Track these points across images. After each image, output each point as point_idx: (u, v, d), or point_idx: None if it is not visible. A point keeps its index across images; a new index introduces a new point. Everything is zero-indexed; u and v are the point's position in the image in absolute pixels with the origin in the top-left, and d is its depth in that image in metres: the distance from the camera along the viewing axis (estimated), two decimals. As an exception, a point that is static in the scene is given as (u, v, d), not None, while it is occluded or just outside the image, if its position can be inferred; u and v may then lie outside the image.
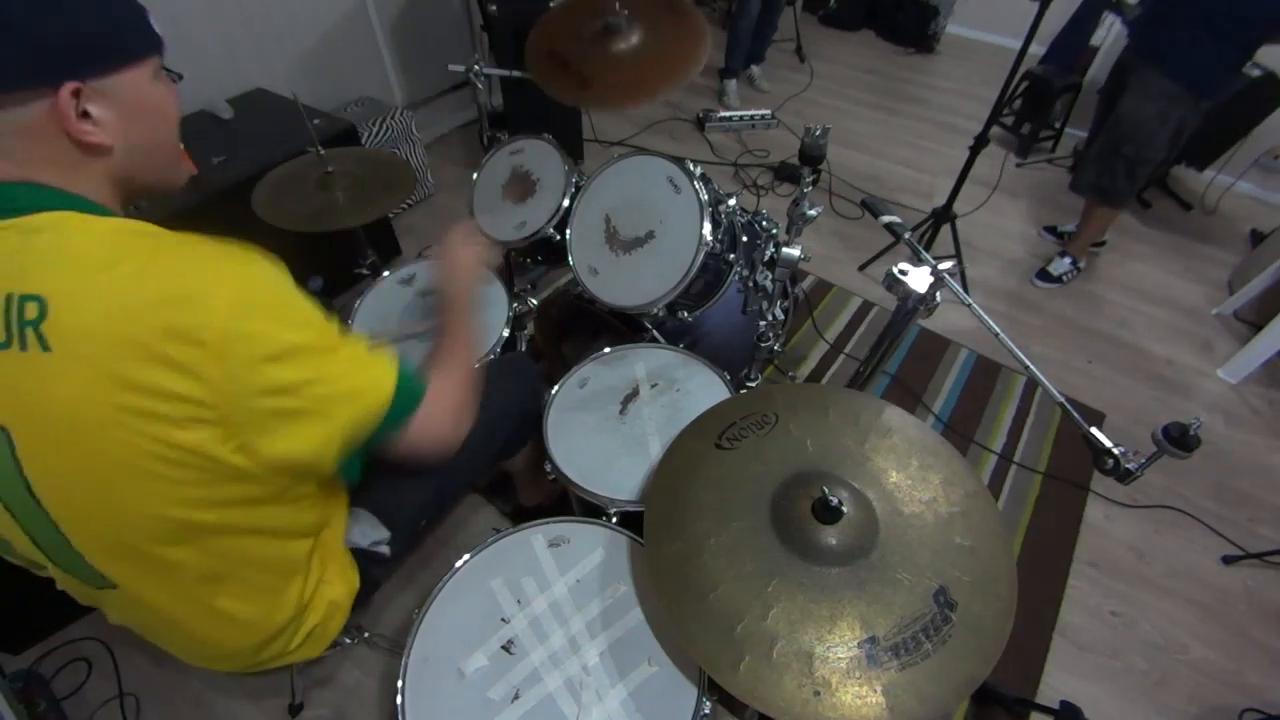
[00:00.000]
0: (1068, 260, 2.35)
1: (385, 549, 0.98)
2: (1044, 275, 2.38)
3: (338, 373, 0.68)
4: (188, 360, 0.56)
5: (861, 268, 2.42)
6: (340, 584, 0.92)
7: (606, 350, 1.35)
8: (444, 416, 0.84)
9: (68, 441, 0.58)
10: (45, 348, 0.55)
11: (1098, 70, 3.01)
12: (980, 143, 2.11)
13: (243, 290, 0.59)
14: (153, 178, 0.69)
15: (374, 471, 1.00)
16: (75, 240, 0.58)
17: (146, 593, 0.73)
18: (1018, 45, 1.89)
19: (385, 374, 0.74)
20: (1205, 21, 1.74)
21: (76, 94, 0.57)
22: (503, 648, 0.89)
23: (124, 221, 0.61)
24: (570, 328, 1.66)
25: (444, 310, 1.01)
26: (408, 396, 0.77)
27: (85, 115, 0.58)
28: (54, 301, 0.55)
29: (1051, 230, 2.62)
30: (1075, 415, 0.87)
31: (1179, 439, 0.77)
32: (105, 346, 0.55)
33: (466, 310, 1.00)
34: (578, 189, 1.46)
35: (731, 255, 1.33)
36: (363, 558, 0.97)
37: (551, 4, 2.20)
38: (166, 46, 0.67)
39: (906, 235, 1.10)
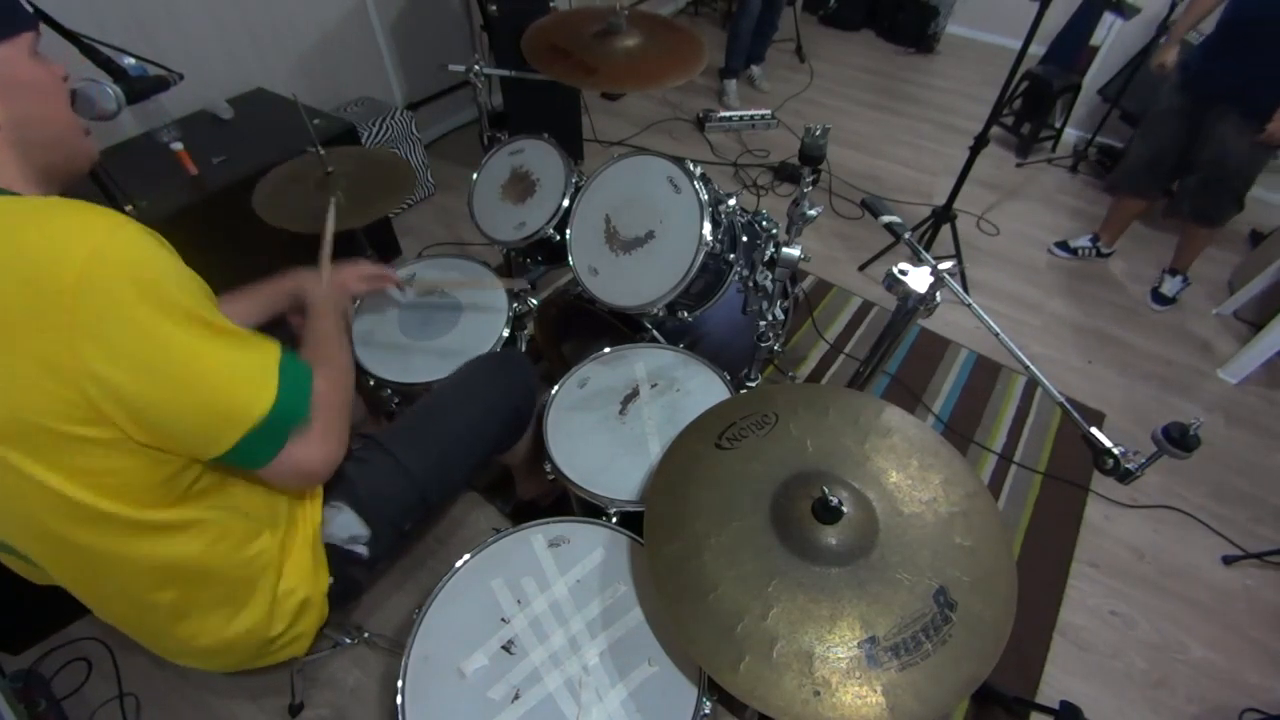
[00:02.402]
0: (1179, 279, 2.34)
1: (363, 549, 0.95)
2: (1158, 298, 2.35)
3: (195, 376, 0.63)
4: (30, 345, 0.55)
5: (861, 268, 2.43)
6: (305, 583, 0.89)
7: (606, 350, 1.35)
8: (317, 452, 0.76)
9: None
10: None
11: (1098, 70, 3.00)
12: (980, 143, 2.11)
13: (92, 269, 0.55)
14: (54, 155, 0.68)
15: (355, 466, 0.98)
16: None
17: (80, 584, 0.73)
18: (1018, 45, 1.89)
19: (255, 397, 0.67)
20: None
21: None
22: (503, 648, 0.89)
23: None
24: (570, 328, 1.66)
25: (319, 317, 0.93)
26: (279, 427, 0.70)
27: None
28: None
29: (1063, 245, 2.55)
30: (1075, 415, 0.87)
31: (1179, 439, 0.77)
32: None
33: (339, 326, 0.94)
34: (577, 189, 1.46)
35: (731, 255, 1.33)
36: (338, 556, 0.93)
37: (553, 4, 2.20)
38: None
39: (906, 235, 1.10)
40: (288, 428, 0.72)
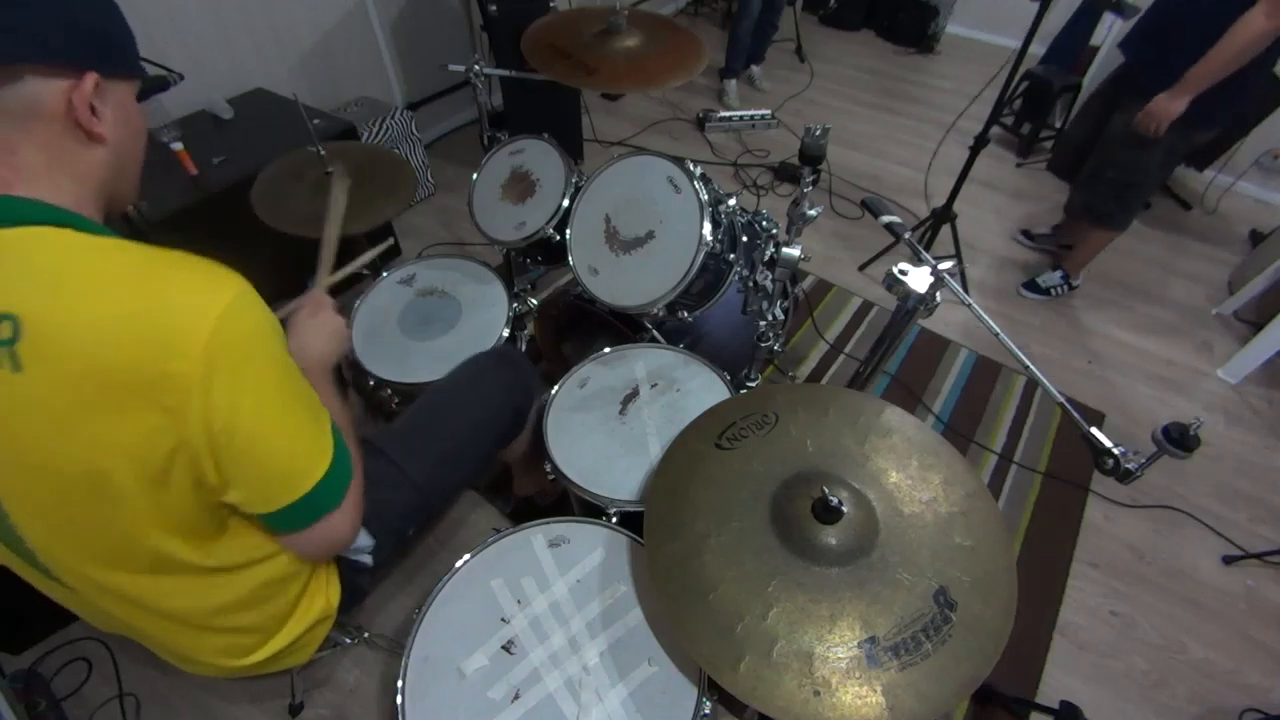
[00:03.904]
0: (1059, 274, 2.30)
1: (368, 558, 0.97)
2: (1031, 286, 2.33)
3: (280, 440, 0.66)
4: (157, 396, 0.56)
5: (861, 268, 2.42)
6: (321, 594, 0.91)
7: (606, 350, 1.35)
8: (349, 523, 0.77)
9: (34, 463, 0.58)
10: (17, 368, 0.54)
11: (1098, 70, 3.00)
12: (980, 143, 2.10)
13: (222, 328, 0.58)
14: (122, 188, 0.69)
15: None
16: (53, 257, 0.56)
17: (112, 607, 0.74)
18: (1018, 45, 1.89)
19: (316, 464, 0.70)
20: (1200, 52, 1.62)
21: (96, 85, 0.59)
22: (503, 648, 0.89)
23: (104, 239, 0.60)
24: (570, 328, 1.66)
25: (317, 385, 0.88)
26: (327, 496, 0.72)
27: (92, 108, 0.59)
28: (28, 322, 0.53)
29: (1027, 234, 2.56)
30: (1075, 415, 0.87)
31: (1179, 439, 0.77)
32: (79, 373, 0.55)
33: (330, 390, 0.90)
34: (577, 189, 1.46)
35: (731, 255, 1.33)
36: (345, 567, 0.95)
37: (553, 4, 2.20)
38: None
39: (906, 235, 1.10)
40: (334, 496, 0.73)
